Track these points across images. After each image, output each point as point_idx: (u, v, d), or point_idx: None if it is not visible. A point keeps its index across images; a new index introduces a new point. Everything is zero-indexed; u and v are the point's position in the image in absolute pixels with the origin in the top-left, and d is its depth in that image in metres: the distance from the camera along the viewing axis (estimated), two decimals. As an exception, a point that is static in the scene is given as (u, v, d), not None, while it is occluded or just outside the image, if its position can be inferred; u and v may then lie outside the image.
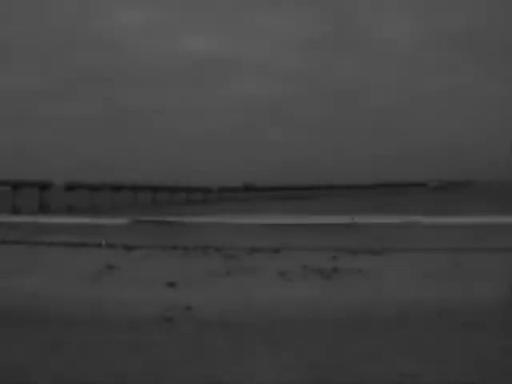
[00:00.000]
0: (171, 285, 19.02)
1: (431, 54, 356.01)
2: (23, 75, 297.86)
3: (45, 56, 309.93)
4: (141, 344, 10.23)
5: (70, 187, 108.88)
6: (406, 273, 21.55)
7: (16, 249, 31.49)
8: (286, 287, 18.59)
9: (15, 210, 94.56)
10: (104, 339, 10.59)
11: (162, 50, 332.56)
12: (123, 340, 10.54)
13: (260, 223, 59.99)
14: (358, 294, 16.93)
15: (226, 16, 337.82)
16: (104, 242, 34.43)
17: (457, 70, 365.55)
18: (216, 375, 8.40)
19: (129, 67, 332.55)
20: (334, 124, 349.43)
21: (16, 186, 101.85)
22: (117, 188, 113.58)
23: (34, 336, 10.86)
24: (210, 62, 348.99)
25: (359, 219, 63.64)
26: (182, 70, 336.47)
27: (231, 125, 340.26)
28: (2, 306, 14.09)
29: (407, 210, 75.39)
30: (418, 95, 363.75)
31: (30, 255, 28.00)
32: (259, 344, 10.26)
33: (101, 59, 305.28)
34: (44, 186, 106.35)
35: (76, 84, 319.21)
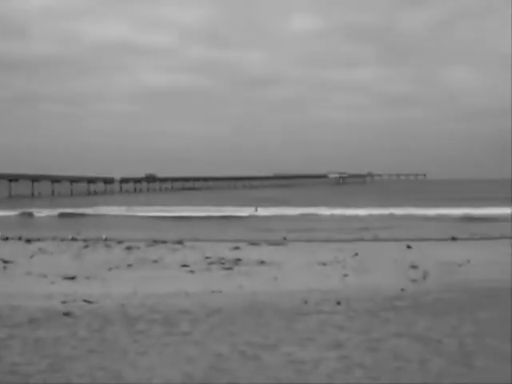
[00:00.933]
0: (71, 278, 18.57)
1: (332, 46, 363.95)
2: None
3: None
4: (40, 339, 9.93)
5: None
6: (307, 263, 22.02)
7: None
8: (189, 279, 18.56)
9: None
10: (2, 335, 10.19)
11: (60, 36, 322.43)
12: (21, 335, 10.19)
13: (163, 215, 59.49)
14: (260, 284, 17.13)
15: (127, 2, 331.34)
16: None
17: (356, 64, 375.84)
18: (117, 369, 8.28)
19: (29, 54, 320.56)
20: (238, 115, 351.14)
21: None
22: (14, 179, 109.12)
23: None
24: (108, 49, 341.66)
25: (262, 211, 64.38)
26: (79, 57, 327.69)
27: (131, 114, 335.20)
28: None
29: (308, 202, 76.97)
30: (322, 88, 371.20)
31: None
32: (162, 336, 10.20)
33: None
34: None
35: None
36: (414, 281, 17.44)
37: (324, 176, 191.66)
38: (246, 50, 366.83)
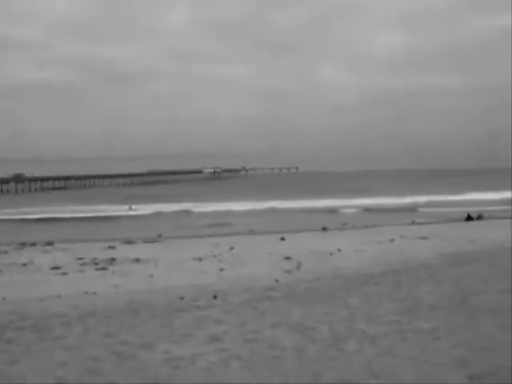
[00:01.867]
0: None
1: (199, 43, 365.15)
2: None
3: None
4: None
5: None
6: (183, 259, 21.96)
7: None
8: (61, 281, 17.94)
9: None
10: None
11: None
12: None
13: (31, 217, 57.11)
14: (135, 283, 16.89)
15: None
16: None
17: (228, 60, 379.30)
18: (-15, 380, 7.87)
19: None
20: (111, 111, 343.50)
21: None
22: None
23: None
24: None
25: (137, 208, 63.42)
26: None
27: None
28: None
29: (182, 198, 76.72)
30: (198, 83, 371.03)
31: None
32: (33, 343, 9.80)
33: None
34: None
35: None
36: (287, 271, 17.88)
37: (199, 171, 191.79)
38: (118, 45, 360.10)
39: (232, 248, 24.57)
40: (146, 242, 29.04)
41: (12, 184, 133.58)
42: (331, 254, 21.77)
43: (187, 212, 58.32)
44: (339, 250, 22.67)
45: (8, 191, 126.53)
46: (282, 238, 27.62)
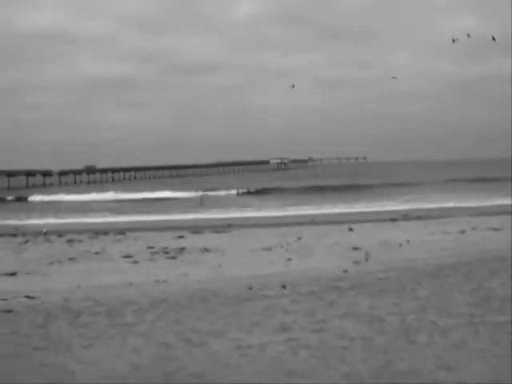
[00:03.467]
0: (11, 274, 18.16)
1: (269, 32, 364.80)
2: None
3: None
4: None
5: None
6: (251, 248, 22.13)
7: None
8: (132, 269, 18.41)
9: None
10: None
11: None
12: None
13: (103, 206, 58.66)
14: (204, 272, 17.15)
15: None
16: None
17: (293, 49, 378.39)
18: (62, 364, 8.18)
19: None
20: (177, 103, 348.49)
21: None
22: None
23: None
24: (42, 38, 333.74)
25: (207, 196, 64.30)
26: (11, 48, 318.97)
27: (68, 105, 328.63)
28: None
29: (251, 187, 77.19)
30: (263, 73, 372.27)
31: None
32: (107, 329, 10.12)
33: None
34: None
35: None
36: (356, 262, 17.77)
37: (266, 162, 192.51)
38: (182, 37, 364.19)
39: (300, 238, 24.58)
40: (215, 231, 29.38)
41: (84, 175, 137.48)
42: (400, 244, 21.50)
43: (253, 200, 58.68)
44: (408, 241, 22.35)
45: (80, 182, 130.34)
46: (350, 229, 27.43)
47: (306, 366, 7.81)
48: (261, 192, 72.27)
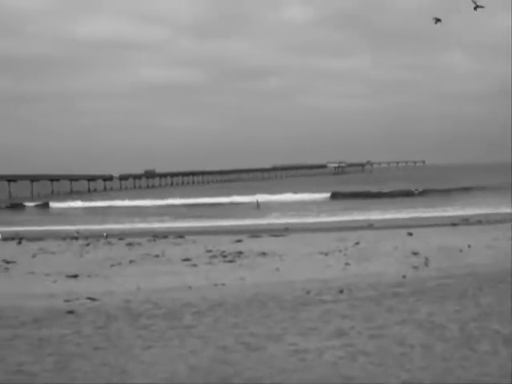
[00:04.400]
0: (73, 276, 18.60)
1: (321, 35, 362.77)
2: None
3: None
4: (44, 338, 9.96)
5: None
6: (308, 253, 22.05)
7: None
8: (191, 272, 18.59)
9: None
10: (8, 335, 10.23)
11: (55, 36, 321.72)
12: (26, 335, 10.23)
13: (162, 211, 59.52)
14: (262, 276, 17.17)
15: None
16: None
17: (346, 52, 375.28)
18: (122, 365, 8.31)
19: (24, 53, 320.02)
20: (232, 108, 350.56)
21: None
22: (13, 179, 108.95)
23: None
24: (105, 46, 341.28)
25: (263, 200, 64.41)
26: (75, 56, 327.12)
27: (127, 110, 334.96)
28: None
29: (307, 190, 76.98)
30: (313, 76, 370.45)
31: None
32: (166, 331, 10.23)
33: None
34: None
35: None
36: (415, 267, 17.47)
37: (323, 166, 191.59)
38: (237, 41, 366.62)
39: (358, 243, 24.35)
40: (273, 235, 29.40)
41: (144, 179, 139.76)
42: (461, 250, 21.04)
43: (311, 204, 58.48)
44: (469, 246, 21.85)
45: (140, 186, 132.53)
46: (410, 234, 27.02)
47: (363, 372, 7.72)
48: (318, 196, 71.96)
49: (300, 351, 8.69)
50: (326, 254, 21.50)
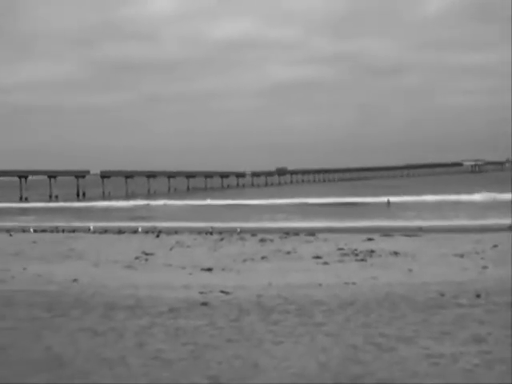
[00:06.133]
0: (207, 270, 19.18)
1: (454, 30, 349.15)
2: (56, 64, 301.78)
3: (74, 44, 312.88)
4: (180, 328, 10.37)
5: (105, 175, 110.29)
6: (443, 254, 21.36)
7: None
8: (321, 270, 18.59)
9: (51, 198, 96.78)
10: (147, 323, 10.74)
11: (192, 39, 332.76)
12: (163, 324, 10.70)
13: (293, 209, 59.96)
14: (394, 276, 16.85)
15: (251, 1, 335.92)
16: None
17: (482, 46, 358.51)
18: (254, 358, 8.47)
19: (158, 56, 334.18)
20: (366, 106, 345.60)
21: (52, 175, 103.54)
22: (152, 175, 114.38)
23: (72, 323, 11.08)
24: (238, 47, 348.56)
25: (395, 200, 63.14)
26: (208, 57, 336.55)
27: (259, 109, 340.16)
28: (40, 291, 14.39)
29: (442, 190, 74.49)
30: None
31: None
32: (296, 327, 10.31)
33: (131, 49, 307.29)
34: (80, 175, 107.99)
35: (107, 74, 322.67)
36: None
37: (459, 164, 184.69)
38: (367, 38, 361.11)
39: (496, 245, 23.26)
40: (405, 235, 28.77)
41: (275, 176, 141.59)
42: None
43: (448, 203, 56.54)
44: None
45: (272, 184, 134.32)
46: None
47: (500, 382, 7.37)
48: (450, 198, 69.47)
49: (433, 355, 8.44)
50: (462, 256, 20.72)
